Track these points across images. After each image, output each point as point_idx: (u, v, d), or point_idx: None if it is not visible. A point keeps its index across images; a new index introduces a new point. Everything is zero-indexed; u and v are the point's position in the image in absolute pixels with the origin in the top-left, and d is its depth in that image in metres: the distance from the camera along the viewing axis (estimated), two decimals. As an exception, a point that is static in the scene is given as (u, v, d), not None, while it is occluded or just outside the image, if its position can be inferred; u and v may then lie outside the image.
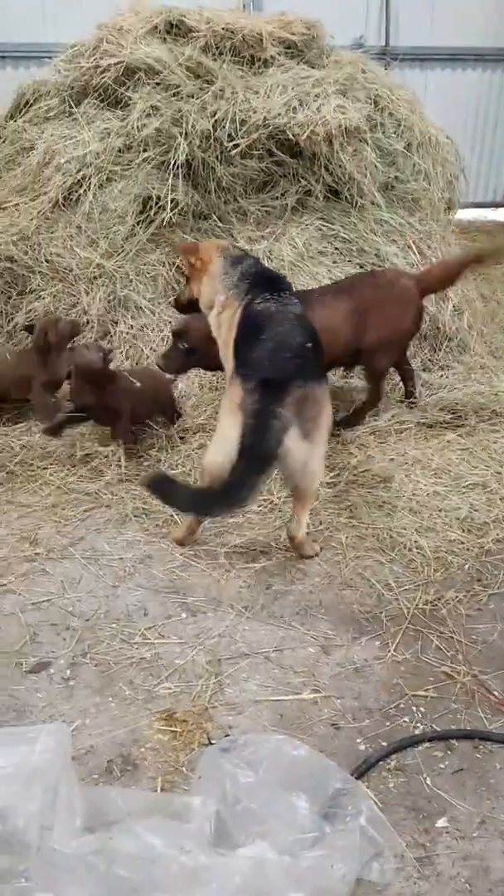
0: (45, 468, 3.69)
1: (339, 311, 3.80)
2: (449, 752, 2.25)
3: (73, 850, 1.74)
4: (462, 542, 3.21)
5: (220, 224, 4.71)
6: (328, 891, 1.76)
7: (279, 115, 4.67)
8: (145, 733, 2.29)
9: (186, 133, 4.55)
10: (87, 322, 4.40)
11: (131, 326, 4.45)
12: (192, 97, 4.68)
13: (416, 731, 2.32)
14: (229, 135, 4.60)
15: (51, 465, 3.72)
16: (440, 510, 3.41)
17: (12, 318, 4.51)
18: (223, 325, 3.21)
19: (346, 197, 4.89)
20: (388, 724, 2.35)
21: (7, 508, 3.41)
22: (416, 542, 3.19)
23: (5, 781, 1.84)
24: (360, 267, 4.74)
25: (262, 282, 3.20)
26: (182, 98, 4.68)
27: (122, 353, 4.40)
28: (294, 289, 3.54)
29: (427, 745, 2.27)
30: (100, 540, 3.21)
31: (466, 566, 3.09)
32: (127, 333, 4.43)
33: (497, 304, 6.01)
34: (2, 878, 1.73)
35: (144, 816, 1.85)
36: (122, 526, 3.31)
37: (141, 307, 4.46)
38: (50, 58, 5.20)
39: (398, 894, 1.86)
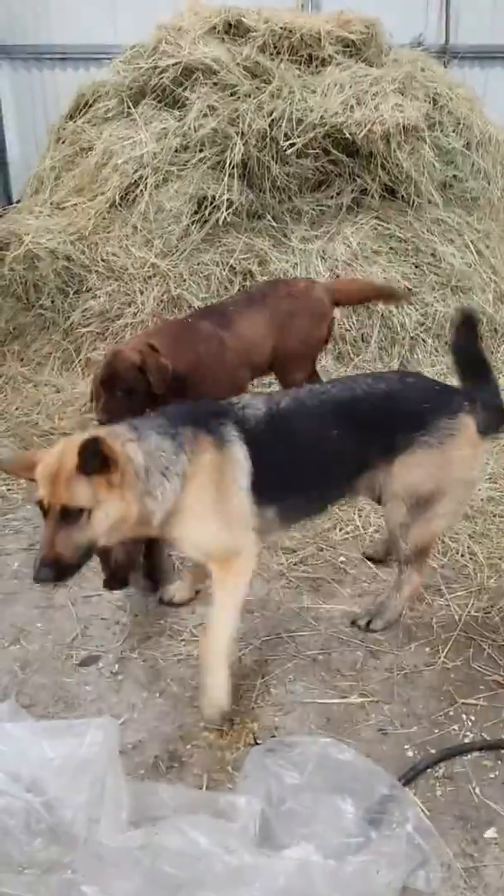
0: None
1: (259, 321, 3.53)
2: (499, 762, 2.21)
3: (119, 843, 1.75)
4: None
5: (275, 224, 4.70)
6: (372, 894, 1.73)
7: (336, 113, 4.65)
8: (192, 731, 2.30)
9: (243, 133, 4.56)
10: (142, 322, 4.45)
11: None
12: (249, 97, 4.68)
13: (466, 740, 2.27)
14: (285, 134, 4.58)
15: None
16: (495, 516, 3.34)
17: (69, 317, 4.58)
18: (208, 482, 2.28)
19: (402, 196, 4.84)
20: (436, 731, 2.31)
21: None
22: (469, 547, 3.14)
23: (54, 773, 1.87)
24: (416, 267, 4.68)
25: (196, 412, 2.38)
26: (239, 98, 4.69)
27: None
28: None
29: (477, 754, 2.23)
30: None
31: (519, 574, 3.02)
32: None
33: None
34: (49, 869, 1.76)
35: (190, 813, 1.85)
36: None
37: (193, 307, 4.48)
38: (109, 59, 5.26)
39: (445, 903, 1.83)
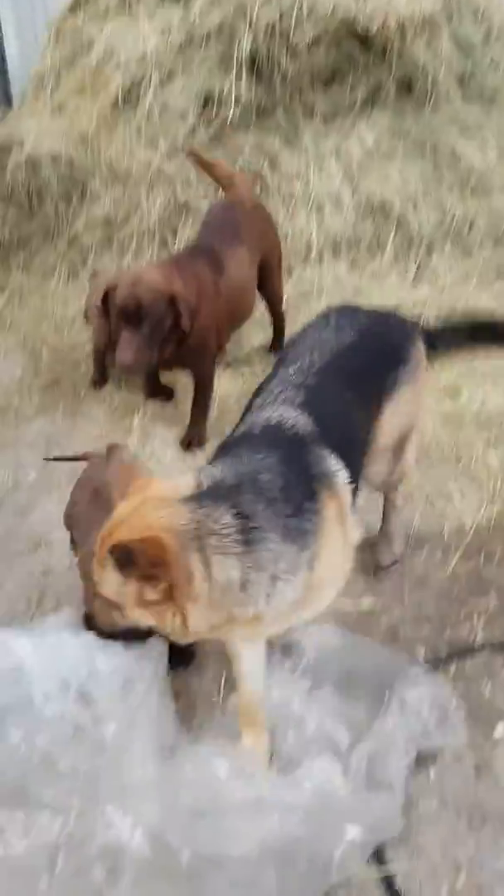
0: None
1: (244, 259, 3.17)
2: (509, 663, 2.25)
3: (145, 770, 1.78)
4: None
5: (285, 122, 4.49)
6: (385, 822, 1.78)
7: (349, 4, 4.38)
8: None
9: (251, 24, 4.31)
10: (148, 229, 4.32)
11: (192, 234, 4.35)
12: (257, -14, 4.41)
13: (476, 641, 2.31)
14: (295, 26, 4.33)
15: None
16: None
17: (73, 225, 4.46)
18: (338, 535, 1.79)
19: (419, 92, 4.60)
20: (447, 632, 2.35)
21: None
22: (482, 454, 3.12)
23: (102, 686, 1.89)
24: (435, 166, 4.49)
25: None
26: (246, -12, 4.42)
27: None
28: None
29: (487, 654, 2.26)
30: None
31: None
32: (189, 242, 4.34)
33: None
34: (88, 781, 1.78)
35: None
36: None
37: (201, 212, 4.34)
38: None
39: (453, 795, 1.89)
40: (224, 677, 2.15)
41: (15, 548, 2.70)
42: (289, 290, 4.05)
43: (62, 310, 4.26)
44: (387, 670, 2.06)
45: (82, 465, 2.40)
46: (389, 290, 4.17)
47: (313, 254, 4.33)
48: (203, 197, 4.36)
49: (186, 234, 4.34)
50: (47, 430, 3.33)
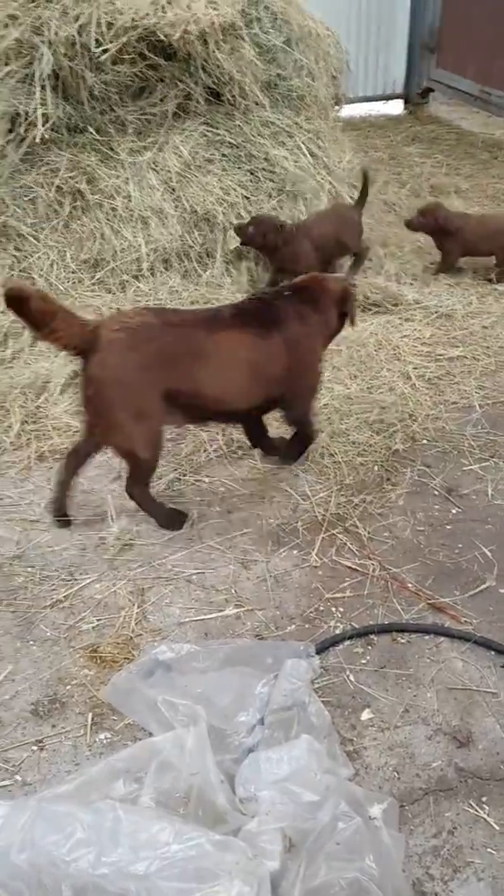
0: None
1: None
2: (369, 647, 2.32)
3: None
4: (371, 444, 3.24)
5: (99, 136, 4.43)
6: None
7: (147, 14, 4.37)
8: (70, 671, 2.28)
9: (50, 41, 4.22)
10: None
11: (16, 257, 4.21)
12: (52, 2, 4.32)
13: (337, 631, 2.37)
14: (96, 40, 4.28)
15: None
16: (349, 415, 3.42)
17: None
18: None
19: (228, 99, 4.66)
20: (308, 627, 2.40)
21: None
22: (327, 447, 3.21)
23: None
24: (252, 174, 4.57)
25: None
26: (40, 4, 4.32)
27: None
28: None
29: (348, 642, 2.33)
30: (5, 486, 3.11)
31: (376, 468, 3.12)
32: (12, 265, 4.20)
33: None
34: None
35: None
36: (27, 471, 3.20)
37: (23, 234, 4.21)
38: None
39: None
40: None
41: None
42: (127, 304, 4.03)
43: None
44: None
45: None
46: (226, 298, 4.21)
47: (144, 268, 4.30)
48: (23, 217, 4.23)
49: (10, 256, 4.19)
50: None
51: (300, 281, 3.02)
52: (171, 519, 2.87)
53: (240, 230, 4.29)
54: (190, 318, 2.75)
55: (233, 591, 2.57)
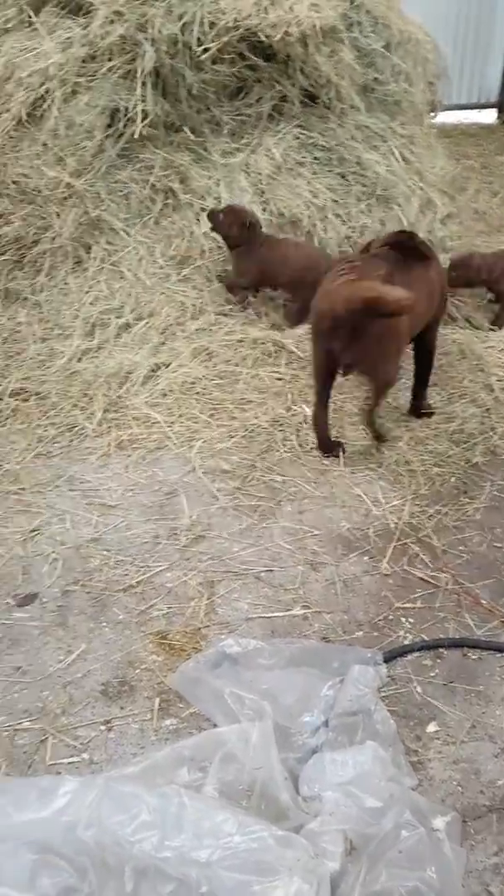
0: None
1: None
2: (438, 661, 2.30)
3: None
4: (450, 455, 3.21)
5: (194, 137, 4.49)
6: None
7: (250, 15, 4.41)
8: (140, 655, 2.32)
9: (153, 39, 4.30)
10: (61, 247, 4.26)
11: (107, 251, 4.31)
12: (157, 0, 4.40)
13: (405, 642, 2.36)
14: (198, 39, 4.34)
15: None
16: (429, 424, 3.40)
17: (-18, 246, 4.35)
18: None
19: (324, 102, 4.65)
20: (376, 634, 2.39)
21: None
22: (404, 456, 3.19)
23: None
24: (342, 177, 4.56)
25: None
26: (146, 2, 4.40)
27: (98, 281, 4.26)
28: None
29: (416, 654, 2.31)
30: (85, 472, 3.18)
31: (453, 479, 3.09)
32: (103, 258, 4.30)
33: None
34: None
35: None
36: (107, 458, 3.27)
37: (115, 229, 4.31)
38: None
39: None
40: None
41: None
42: (210, 303, 4.12)
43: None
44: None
45: None
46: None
47: (230, 268, 4.34)
48: (116, 212, 4.32)
49: (101, 250, 4.29)
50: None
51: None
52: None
53: (212, 215, 4.17)
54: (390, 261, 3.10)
55: (301, 592, 2.58)
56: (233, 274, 4.24)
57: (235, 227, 4.12)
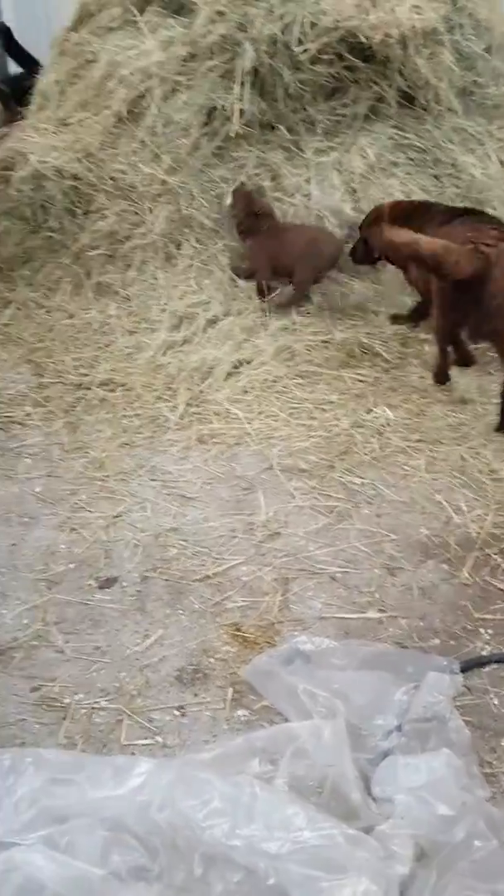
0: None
1: None
2: (517, 674, 2.25)
3: None
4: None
5: (288, 135, 4.52)
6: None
7: (351, 17, 4.41)
8: (214, 645, 2.35)
9: (253, 38, 4.34)
10: (152, 242, 4.35)
11: (196, 248, 4.38)
12: (259, 0, 4.45)
13: (484, 653, 2.31)
14: (298, 39, 4.37)
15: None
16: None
17: (77, 238, 4.48)
18: None
19: (421, 104, 4.62)
20: (453, 643, 2.35)
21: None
22: (488, 464, 3.13)
23: None
24: (436, 178, 4.52)
25: None
26: (248, 2, 4.46)
27: (187, 277, 4.34)
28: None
29: (495, 666, 2.27)
30: (166, 463, 3.24)
31: (540, 491, 3.02)
32: (192, 256, 4.37)
33: None
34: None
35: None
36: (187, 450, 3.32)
37: (205, 226, 4.37)
38: (112, -36, 4.98)
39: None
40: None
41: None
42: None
43: (67, 322, 4.29)
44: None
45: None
46: (387, 294, 4.23)
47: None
48: (207, 213, 4.39)
49: (190, 248, 4.37)
50: (49, 442, 3.35)
51: None
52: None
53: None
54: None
55: (376, 596, 2.56)
56: (247, 266, 4.21)
57: (243, 214, 4.14)
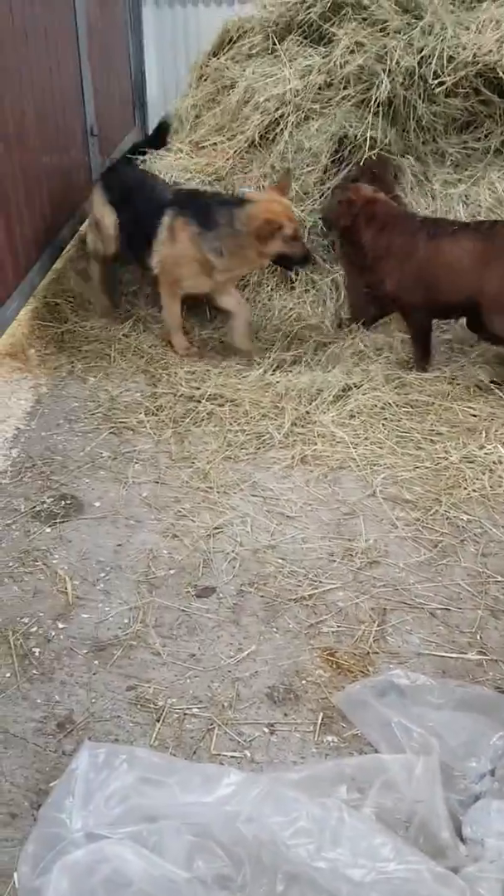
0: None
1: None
2: None
3: None
4: None
5: (416, 165, 4.52)
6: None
7: (490, 51, 4.39)
8: (307, 667, 2.35)
9: (390, 70, 4.38)
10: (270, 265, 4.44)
11: (311, 278, 4.44)
12: (399, 33, 4.49)
13: None
14: (435, 72, 4.38)
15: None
16: None
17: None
18: None
19: (552, 141, 4.54)
20: None
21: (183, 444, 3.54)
22: None
23: None
24: None
25: None
26: (388, 34, 4.50)
27: (303, 301, 4.40)
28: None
29: None
30: (268, 480, 3.27)
31: None
32: (307, 282, 4.43)
33: None
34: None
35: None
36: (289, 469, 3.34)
37: (322, 255, 4.42)
38: (255, -5, 5.15)
39: None
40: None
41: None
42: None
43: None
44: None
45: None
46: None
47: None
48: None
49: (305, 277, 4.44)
50: (158, 450, 3.44)
51: None
52: None
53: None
54: None
55: (478, 637, 2.49)
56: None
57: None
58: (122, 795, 1.78)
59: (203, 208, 3.95)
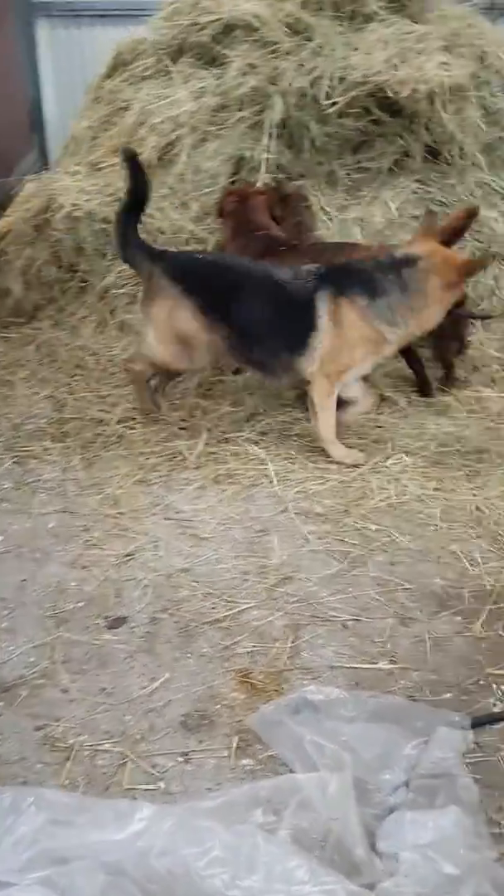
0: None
1: None
2: (529, 733, 2.20)
3: None
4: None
5: (312, 186, 4.60)
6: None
7: (379, 72, 4.51)
8: (221, 691, 2.33)
9: (283, 92, 4.46)
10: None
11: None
12: (290, 54, 4.58)
13: (496, 709, 2.27)
14: (327, 93, 4.47)
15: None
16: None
17: (104, 278, 4.58)
18: None
19: (445, 158, 4.69)
20: (465, 698, 2.31)
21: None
22: (504, 516, 3.11)
23: None
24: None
25: None
26: (279, 56, 4.59)
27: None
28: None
29: (505, 723, 2.22)
30: (180, 502, 3.24)
31: None
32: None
33: None
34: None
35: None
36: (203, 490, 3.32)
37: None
38: (149, 16, 5.16)
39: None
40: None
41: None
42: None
43: (90, 359, 4.34)
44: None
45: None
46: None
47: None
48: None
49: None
50: (65, 477, 3.37)
51: None
52: None
53: None
54: None
55: (388, 646, 2.53)
56: None
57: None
58: (31, 839, 1.72)
59: (363, 276, 3.33)
